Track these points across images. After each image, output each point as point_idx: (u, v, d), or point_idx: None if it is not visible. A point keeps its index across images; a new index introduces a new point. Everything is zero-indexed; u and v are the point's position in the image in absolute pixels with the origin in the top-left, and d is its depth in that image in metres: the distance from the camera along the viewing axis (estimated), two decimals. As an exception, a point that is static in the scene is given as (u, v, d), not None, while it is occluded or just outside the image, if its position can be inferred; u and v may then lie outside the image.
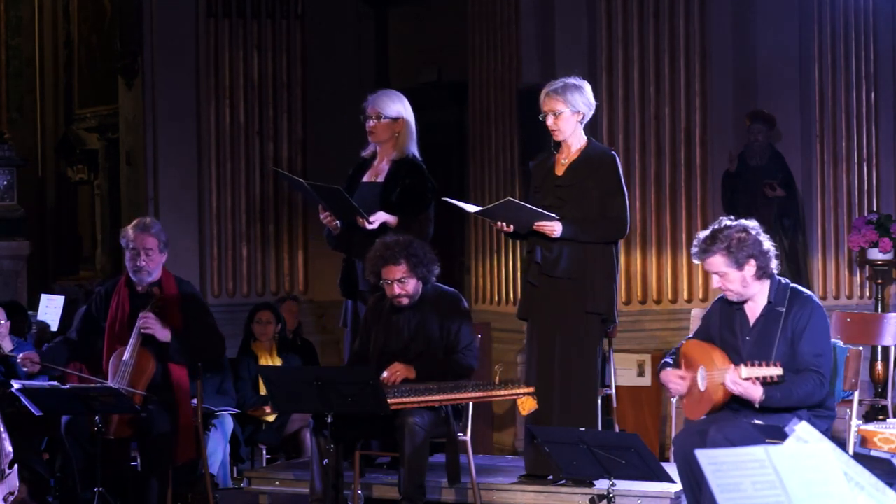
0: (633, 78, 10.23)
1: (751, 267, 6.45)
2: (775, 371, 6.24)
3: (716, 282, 6.54)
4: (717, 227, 6.53)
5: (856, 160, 10.58)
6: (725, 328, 6.58)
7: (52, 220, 15.72)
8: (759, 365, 6.26)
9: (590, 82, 7.66)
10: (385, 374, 7.32)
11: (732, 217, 6.64)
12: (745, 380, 6.26)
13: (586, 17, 10.29)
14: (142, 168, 12.21)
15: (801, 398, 6.36)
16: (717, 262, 6.46)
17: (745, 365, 6.28)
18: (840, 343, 6.90)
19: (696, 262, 6.65)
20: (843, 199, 10.56)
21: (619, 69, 10.21)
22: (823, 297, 10.20)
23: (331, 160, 11.75)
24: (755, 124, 10.39)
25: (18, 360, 7.84)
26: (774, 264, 6.52)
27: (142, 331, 7.69)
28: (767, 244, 6.52)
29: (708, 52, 10.31)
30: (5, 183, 13.66)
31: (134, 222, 7.91)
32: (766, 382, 6.29)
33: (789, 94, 10.56)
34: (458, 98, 11.65)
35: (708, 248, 6.48)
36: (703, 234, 6.57)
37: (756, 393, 6.29)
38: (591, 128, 10.02)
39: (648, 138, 10.24)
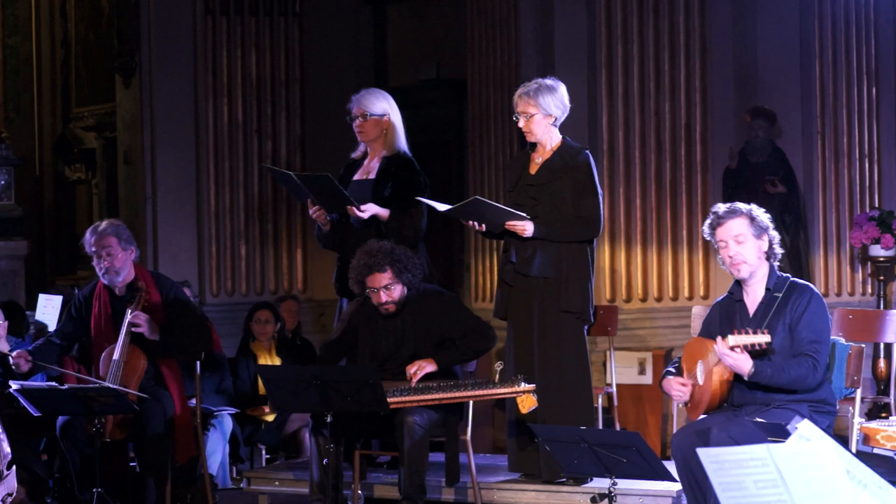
0: (632, 74, 10.19)
1: (764, 242, 6.51)
2: (763, 338, 6.26)
3: (728, 251, 6.47)
4: (731, 203, 6.61)
5: (857, 156, 10.55)
6: (725, 323, 6.58)
7: (49, 219, 15.68)
8: (747, 333, 6.26)
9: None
10: (408, 369, 7.30)
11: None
12: (733, 348, 6.24)
13: (585, 14, 10.25)
14: (140, 167, 12.18)
15: (792, 380, 6.36)
16: (739, 224, 6.49)
17: (733, 333, 6.28)
18: (842, 340, 6.86)
19: (708, 231, 6.56)
20: (845, 195, 10.54)
21: (619, 66, 10.17)
22: (825, 294, 10.14)
23: (329, 158, 11.72)
24: (756, 120, 10.35)
25: (11, 359, 7.79)
26: (779, 251, 6.59)
27: (132, 329, 7.67)
28: (774, 231, 6.60)
29: (708, 48, 10.27)
30: (3, 182, 13.62)
31: (89, 229, 7.89)
32: (754, 351, 6.28)
33: (790, 89, 10.52)
34: (457, 95, 11.62)
35: (730, 213, 6.52)
36: (719, 206, 6.61)
37: (746, 365, 6.29)
38: (591, 125, 10.03)
39: (648, 135, 10.21)
